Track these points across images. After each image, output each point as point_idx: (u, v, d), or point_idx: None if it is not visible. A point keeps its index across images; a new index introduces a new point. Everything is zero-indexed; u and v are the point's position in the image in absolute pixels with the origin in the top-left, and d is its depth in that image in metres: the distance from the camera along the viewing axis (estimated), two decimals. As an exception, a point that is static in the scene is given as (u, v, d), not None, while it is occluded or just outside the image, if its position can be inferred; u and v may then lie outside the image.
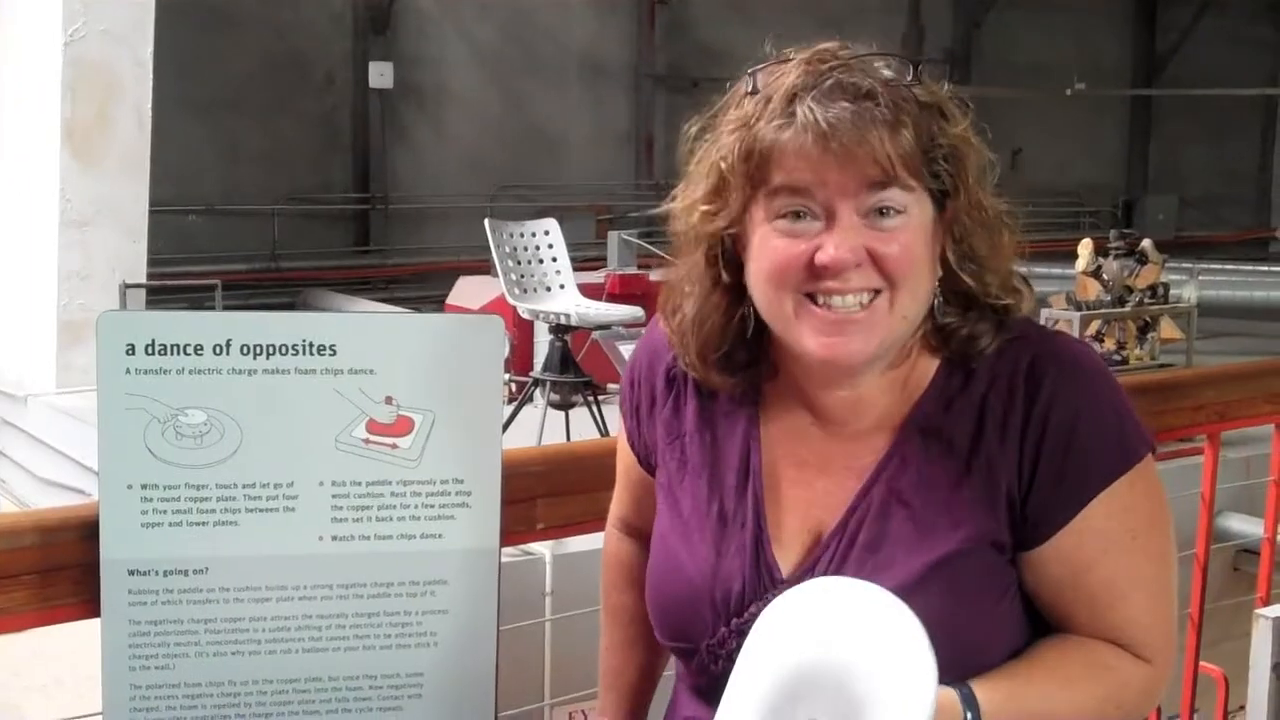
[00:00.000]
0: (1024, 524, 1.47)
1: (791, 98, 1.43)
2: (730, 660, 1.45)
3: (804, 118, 1.41)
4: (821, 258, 1.42)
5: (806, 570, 1.50)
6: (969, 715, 1.41)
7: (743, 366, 1.56)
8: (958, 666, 1.42)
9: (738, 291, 1.53)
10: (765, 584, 1.52)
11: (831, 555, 1.50)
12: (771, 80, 1.47)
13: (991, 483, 1.47)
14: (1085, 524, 1.47)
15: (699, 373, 1.59)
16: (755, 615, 1.46)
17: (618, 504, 1.84)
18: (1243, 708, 3.28)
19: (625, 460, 1.78)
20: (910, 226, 1.43)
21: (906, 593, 1.41)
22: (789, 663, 1.38)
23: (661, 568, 1.61)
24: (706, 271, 1.54)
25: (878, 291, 1.44)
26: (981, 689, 1.43)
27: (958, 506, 1.47)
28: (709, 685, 1.52)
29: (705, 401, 1.62)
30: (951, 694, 1.41)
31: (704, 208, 1.52)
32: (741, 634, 1.46)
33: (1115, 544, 1.48)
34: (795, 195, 1.43)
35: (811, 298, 1.44)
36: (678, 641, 1.58)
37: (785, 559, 1.53)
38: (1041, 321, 3.51)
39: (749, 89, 1.49)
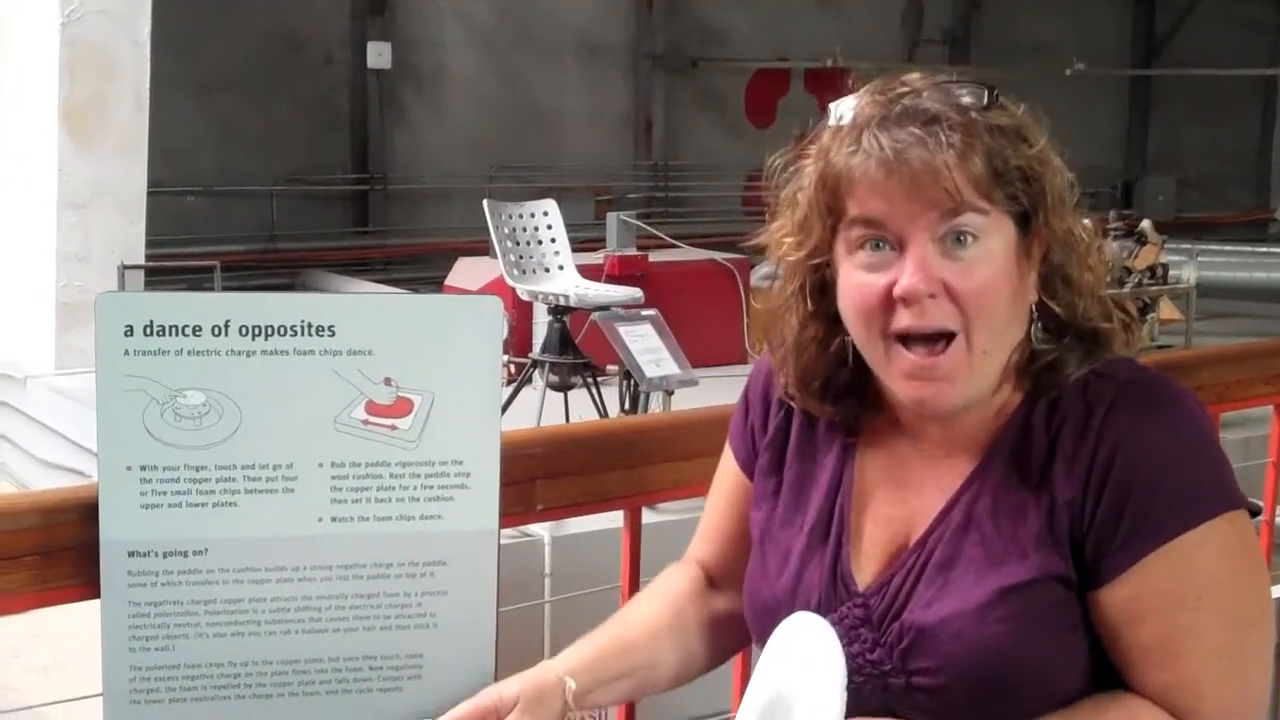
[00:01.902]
0: (1085, 563, 1.46)
1: (861, 127, 1.45)
2: None
3: (870, 146, 1.43)
4: (897, 289, 1.43)
5: (882, 584, 1.53)
6: None
7: (843, 394, 1.58)
8: (1022, 694, 1.44)
9: (834, 321, 1.55)
10: (841, 596, 1.55)
11: (907, 571, 1.52)
12: (848, 110, 1.49)
13: (1056, 518, 1.46)
14: (1143, 576, 1.44)
15: (799, 401, 1.63)
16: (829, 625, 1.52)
17: (700, 544, 1.83)
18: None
19: (722, 496, 1.79)
20: (987, 256, 1.43)
21: (972, 615, 1.44)
22: (766, 688, 1.47)
23: (756, 577, 1.65)
24: (802, 303, 1.56)
25: (953, 335, 1.44)
26: None
27: (1025, 537, 1.47)
28: None
29: (809, 422, 1.65)
30: None
31: (789, 239, 1.55)
32: None
33: (1174, 602, 1.44)
34: (869, 226, 1.46)
35: (902, 341, 1.46)
36: (764, 643, 1.60)
37: (865, 572, 1.55)
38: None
39: (828, 120, 1.52)
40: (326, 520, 1.78)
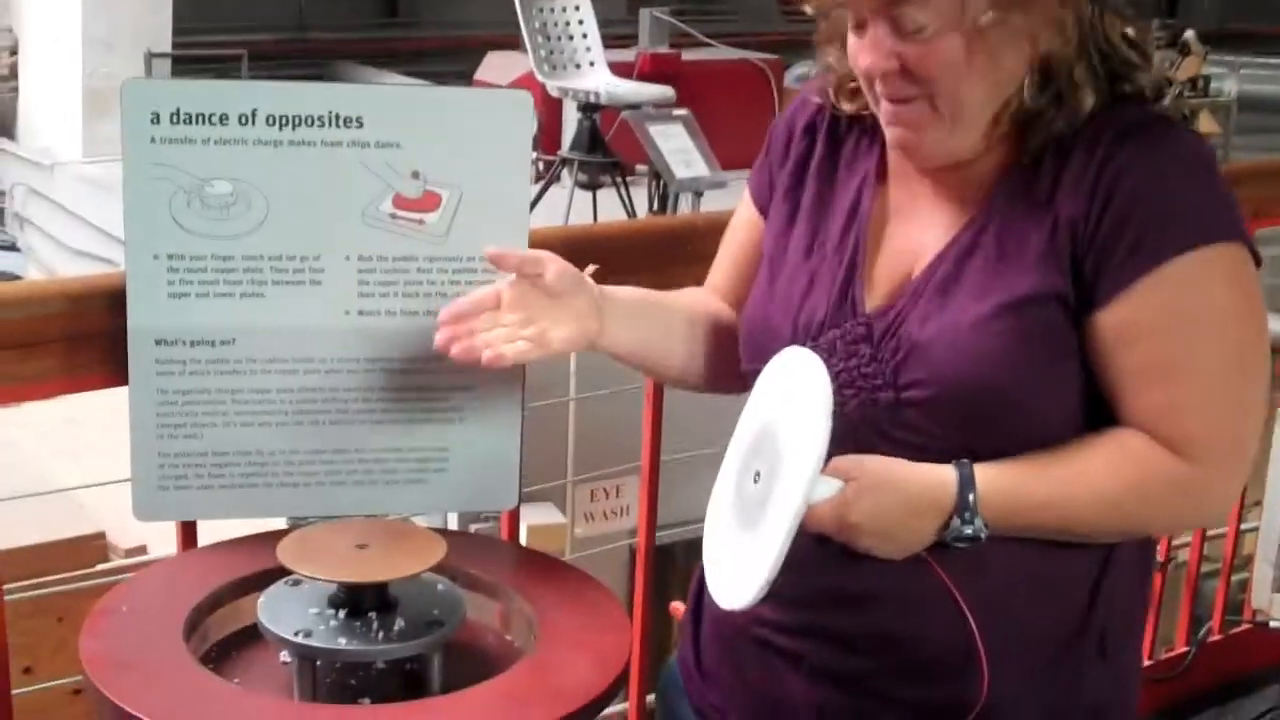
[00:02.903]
0: (1084, 283, 1.46)
1: None
2: None
3: None
4: (857, 64, 1.52)
5: (886, 307, 1.55)
6: (970, 496, 1.44)
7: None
8: (1009, 414, 1.46)
9: None
10: (846, 314, 1.57)
11: (910, 295, 1.53)
12: None
13: (1058, 235, 1.47)
14: (1143, 294, 1.43)
15: (843, 99, 1.66)
16: (831, 340, 1.55)
17: (714, 274, 1.86)
18: (1259, 503, 3.32)
19: (738, 225, 1.82)
20: (938, 34, 1.45)
21: (967, 328, 1.46)
22: (755, 422, 1.52)
23: (760, 295, 1.67)
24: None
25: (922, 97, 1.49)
26: (984, 469, 1.45)
27: (1029, 257, 1.47)
28: None
29: (831, 154, 1.69)
30: (946, 473, 1.45)
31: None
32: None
33: (1173, 323, 1.43)
34: (840, 7, 1.53)
35: None
36: (755, 363, 1.61)
37: (874, 296, 1.57)
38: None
39: None
40: (354, 313, 1.78)
